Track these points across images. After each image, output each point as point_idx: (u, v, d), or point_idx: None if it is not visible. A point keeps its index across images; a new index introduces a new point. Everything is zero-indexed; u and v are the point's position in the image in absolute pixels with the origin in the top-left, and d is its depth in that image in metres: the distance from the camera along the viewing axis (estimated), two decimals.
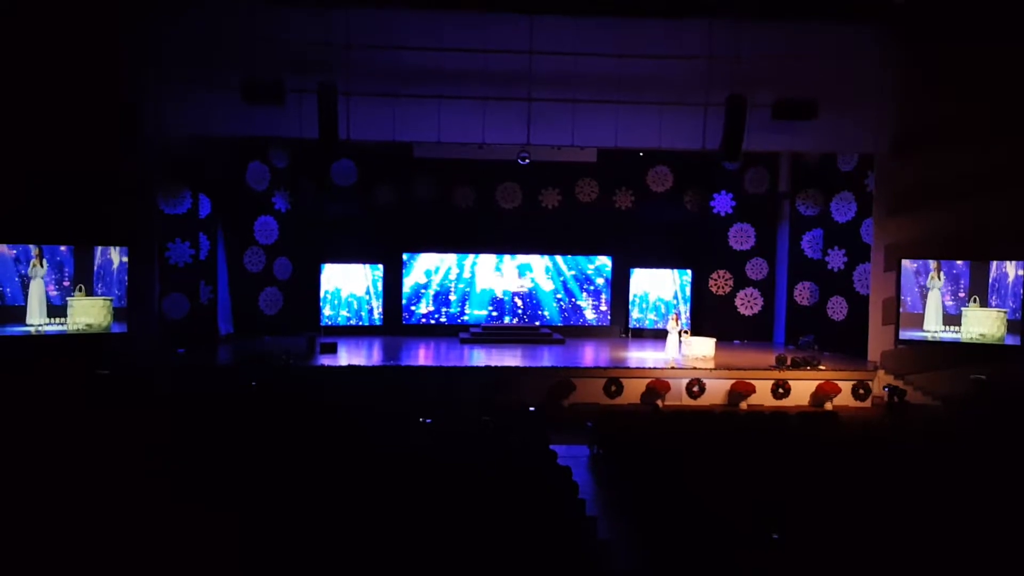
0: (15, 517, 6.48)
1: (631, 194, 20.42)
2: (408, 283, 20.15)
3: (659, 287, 20.48)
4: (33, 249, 14.01)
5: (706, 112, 14.97)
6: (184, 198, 16.98)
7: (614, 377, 15.38)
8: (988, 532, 6.81)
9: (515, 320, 20.34)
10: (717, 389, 15.42)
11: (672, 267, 20.42)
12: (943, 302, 15.38)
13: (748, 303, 20.33)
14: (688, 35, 15.35)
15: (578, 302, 20.50)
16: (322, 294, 19.74)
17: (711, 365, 16.03)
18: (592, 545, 6.75)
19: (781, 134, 15.45)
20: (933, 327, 15.39)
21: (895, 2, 14.49)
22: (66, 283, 14.40)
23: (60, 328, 14.34)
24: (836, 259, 18.39)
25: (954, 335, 15.28)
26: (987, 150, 14.62)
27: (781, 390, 15.40)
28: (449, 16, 15.20)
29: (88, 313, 14.67)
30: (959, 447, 10.19)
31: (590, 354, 17.81)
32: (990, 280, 15.00)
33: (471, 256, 20.25)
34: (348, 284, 19.97)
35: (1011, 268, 14.75)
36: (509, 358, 16.60)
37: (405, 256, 20.11)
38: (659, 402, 15.11)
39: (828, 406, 15.09)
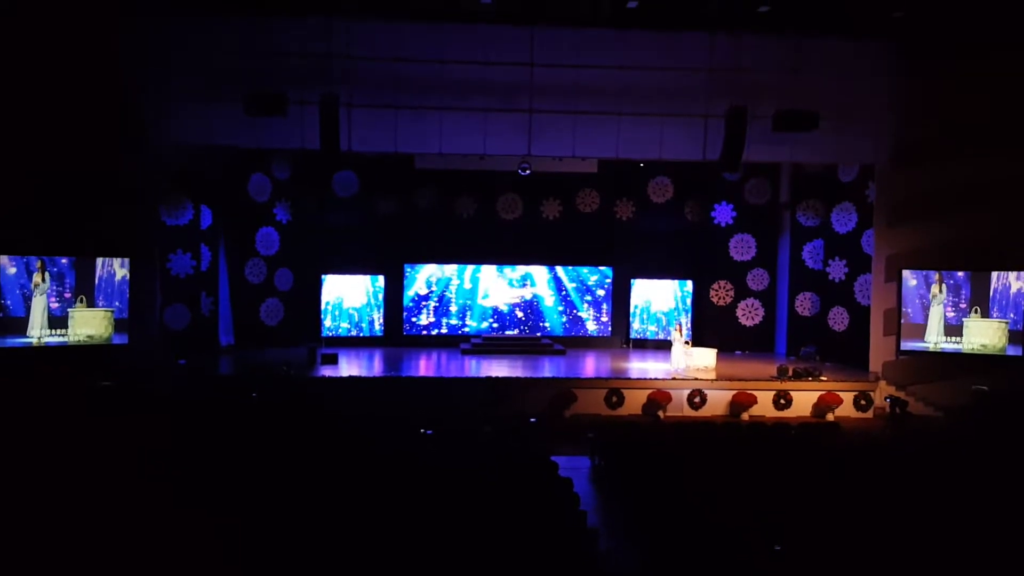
0: (19, 524, 6.48)
1: (632, 205, 20.46)
2: (409, 294, 20.16)
3: (660, 297, 20.48)
4: (36, 262, 14.04)
5: (706, 123, 15.02)
6: (186, 209, 17.02)
7: (615, 388, 15.36)
8: (990, 543, 6.79)
9: (516, 331, 20.34)
10: (718, 400, 15.40)
11: (673, 278, 20.43)
12: (944, 313, 15.38)
13: (749, 314, 20.33)
14: (688, 47, 15.43)
15: (579, 313, 20.50)
16: (323, 305, 19.75)
17: (712, 376, 16.01)
18: (593, 557, 6.73)
19: (781, 145, 15.50)
20: (934, 339, 15.37)
21: (894, 15, 14.55)
22: (67, 295, 14.42)
23: (61, 339, 14.35)
24: (837, 270, 18.40)
25: (955, 346, 15.27)
26: (988, 160, 14.63)
27: (783, 401, 15.37)
28: (450, 28, 15.29)
29: (89, 324, 14.67)
30: (961, 458, 10.17)
31: (591, 365, 17.80)
32: (991, 291, 14.99)
33: (472, 267, 20.27)
34: (349, 295, 19.98)
35: (1013, 279, 14.75)
36: (510, 369, 16.59)
37: (406, 267, 20.13)
38: (660, 413, 15.09)
39: (830, 417, 15.06)
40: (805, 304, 19.32)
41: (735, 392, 15.35)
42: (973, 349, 15.12)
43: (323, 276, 19.76)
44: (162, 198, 16.42)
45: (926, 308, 15.48)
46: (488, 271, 20.32)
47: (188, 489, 7.52)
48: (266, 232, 19.19)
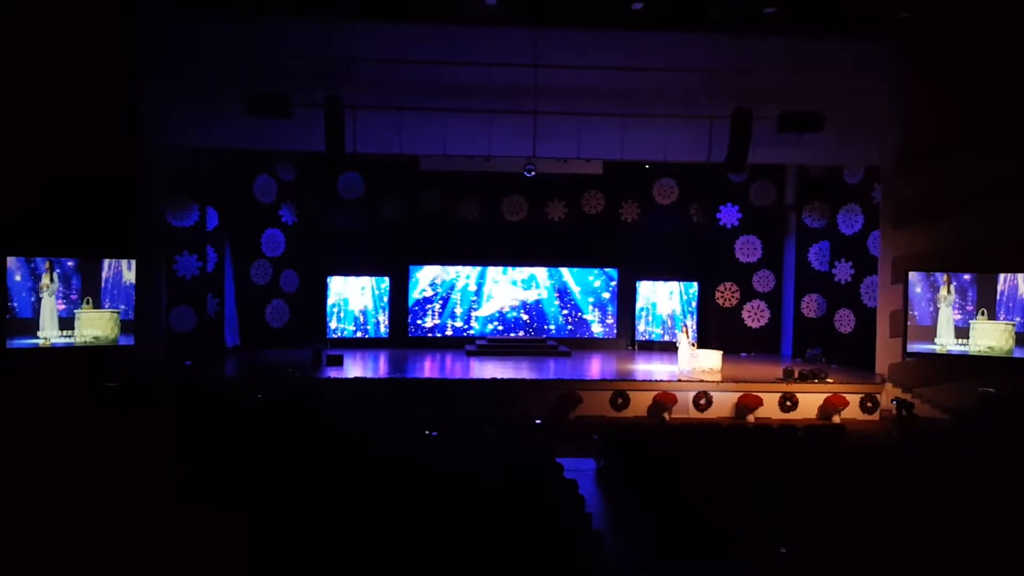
0: (23, 523, 6.50)
1: (637, 206, 20.44)
2: (414, 296, 20.17)
3: (665, 299, 20.45)
4: (43, 263, 14.09)
5: (711, 125, 14.99)
6: (191, 211, 17.06)
7: (620, 390, 15.34)
8: (996, 545, 6.76)
9: (521, 333, 20.33)
10: (724, 402, 15.36)
11: (678, 279, 20.40)
12: (952, 315, 15.32)
13: (755, 315, 20.29)
14: (693, 48, 15.43)
15: (584, 315, 20.48)
16: (329, 307, 19.77)
17: (718, 378, 15.98)
18: (598, 559, 6.72)
19: (786, 147, 15.47)
20: (945, 340, 15.30)
21: (900, 16, 14.51)
22: (73, 296, 14.46)
23: (68, 340, 14.39)
24: (843, 271, 18.35)
25: (962, 348, 15.21)
26: (994, 161, 14.59)
27: (788, 403, 15.33)
28: (455, 30, 15.31)
29: (96, 325, 14.71)
30: (967, 460, 10.12)
31: (596, 367, 17.78)
32: (998, 293, 14.93)
33: (477, 269, 20.27)
34: (355, 296, 20.01)
35: (1021, 280, 14.69)
36: (515, 371, 16.58)
37: (411, 268, 20.14)
38: (666, 415, 15.06)
39: (836, 419, 15.01)
40: (811, 306, 19.27)
41: (741, 394, 15.31)
42: (980, 351, 15.05)
43: (328, 277, 19.79)
44: (168, 200, 16.46)
45: (933, 311, 15.42)
46: (493, 273, 20.31)
47: (192, 490, 7.54)
48: (272, 234, 19.22)
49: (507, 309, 20.33)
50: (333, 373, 15.99)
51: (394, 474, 8.45)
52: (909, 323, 15.63)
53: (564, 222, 20.41)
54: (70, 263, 14.40)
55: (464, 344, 19.65)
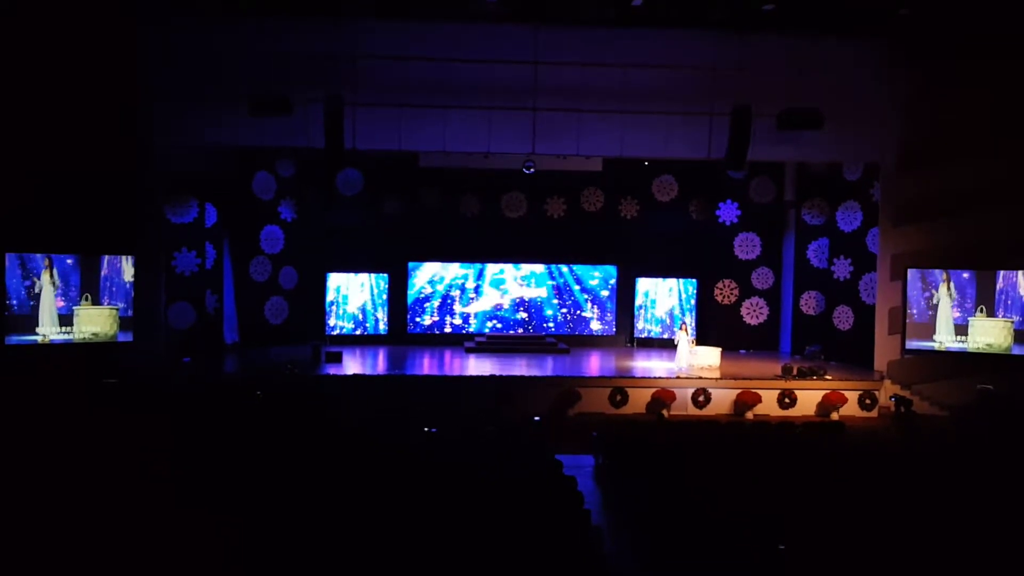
0: (23, 520, 6.50)
1: (636, 203, 20.43)
2: (413, 292, 20.18)
3: (664, 296, 20.45)
4: (43, 260, 14.09)
5: (711, 122, 15.00)
6: (190, 207, 17.05)
7: (619, 387, 15.35)
8: (995, 542, 6.77)
9: (520, 330, 20.34)
10: (723, 399, 15.37)
11: (678, 276, 20.40)
12: (951, 313, 15.34)
13: (754, 312, 20.30)
14: (693, 46, 15.43)
15: (583, 312, 20.49)
16: (328, 304, 19.77)
17: (717, 375, 15.99)
18: (597, 555, 6.73)
19: (786, 144, 15.49)
20: (944, 338, 15.32)
21: (900, 12, 14.51)
22: (72, 293, 14.46)
23: (67, 337, 14.40)
24: (842, 268, 18.36)
25: (960, 345, 15.23)
26: (993, 159, 14.60)
27: (787, 400, 15.35)
28: (455, 27, 15.29)
29: (94, 322, 14.72)
30: (966, 457, 10.14)
31: (595, 364, 17.79)
32: (996, 290, 14.95)
33: (476, 265, 20.26)
34: (354, 293, 20.01)
35: (1021, 278, 14.71)
36: (514, 367, 16.58)
37: (410, 265, 20.14)
38: (664, 412, 15.07)
39: (834, 416, 15.02)
40: (810, 303, 19.28)
41: (739, 391, 15.32)
42: (979, 348, 15.07)
43: (327, 274, 19.78)
44: (167, 196, 16.44)
45: (932, 308, 15.43)
46: (492, 270, 20.31)
47: (191, 487, 7.54)
48: (271, 230, 19.21)
49: (506, 306, 20.33)
50: (332, 370, 15.99)
51: (393, 471, 8.46)
52: (908, 321, 15.64)
53: (563, 219, 20.39)
54: (69, 260, 14.40)
55: (463, 341, 19.65)
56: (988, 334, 15.03)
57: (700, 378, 15.68)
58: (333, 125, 14.02)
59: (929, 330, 15.45)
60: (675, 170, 20.05)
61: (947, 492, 8.25)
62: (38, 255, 14.09)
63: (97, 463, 8.29)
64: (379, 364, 17.35)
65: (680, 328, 17.52)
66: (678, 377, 15.74)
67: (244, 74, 14.63)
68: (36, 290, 14.07)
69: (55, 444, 9.11)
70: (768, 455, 9.90)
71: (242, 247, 18.86)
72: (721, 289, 20.31)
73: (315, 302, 19.69)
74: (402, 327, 20.12)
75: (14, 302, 13.84)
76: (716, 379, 15.65)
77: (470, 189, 20.04)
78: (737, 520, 7.12)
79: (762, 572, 6.48)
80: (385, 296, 20.16)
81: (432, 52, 15.13)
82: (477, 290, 20.31)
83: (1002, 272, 14.87)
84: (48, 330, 14.14)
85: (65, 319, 14.41)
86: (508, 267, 20.32)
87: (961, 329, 15.24)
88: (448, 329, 20.23)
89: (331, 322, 19.80)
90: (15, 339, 13.81)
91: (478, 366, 16.84)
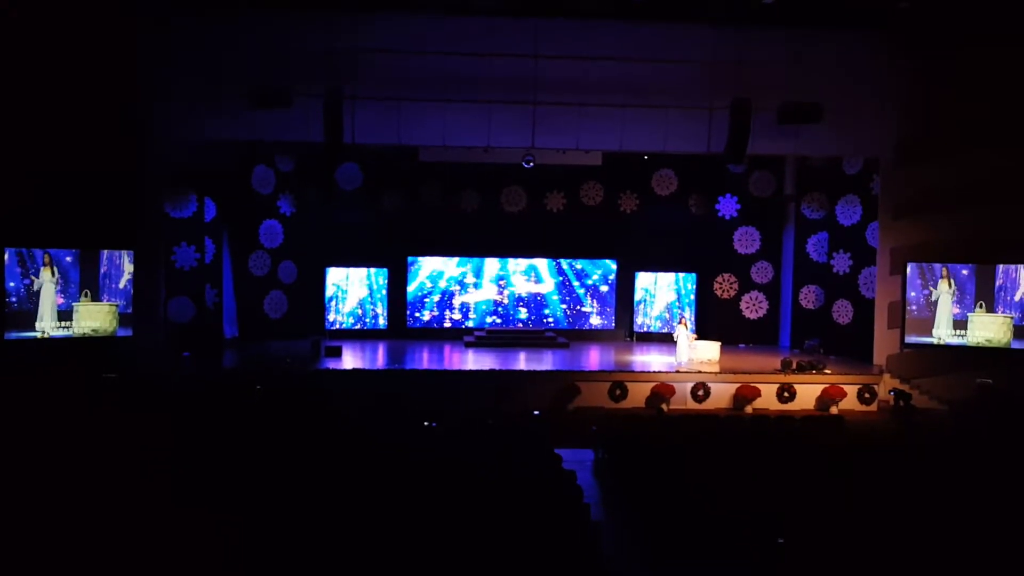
0: (22, 517, 6.51)
1: (636, 197, 20.40)
2: (412, 287, 20.17)
3: (664, 290, 20.45)
4: (43, 256, 14.08)
5: (711, 116, 14.98)
6: (190, 202, 17.03)
7: (619, 381, 15.37)
8: (994, 536, 6.79)
9: (520, 324, 20.34)
10: (722, 393, 15.39)
11: (677, 270, 20.40)
12: (951, 307, 15.35)
13: (753, 306, 20.30)
14: (693, 40, 15.40)
15: (583, 306, 20.48)
16: (327, 298, 19.77)
17: (716, 369, 16.00)
18: (597, 549, 6.74)
19: (785, 138, 15.49)
20: (943, 332, 15.33)
21: (899, 5, 14.48)
22: (71, 289, 14.45)
23: (66, 332, 14.40)
24: (841, 262, 18.36)
25: (960, 339, 15.24)
26: (992, 153, 14.59)
27: (786, 394, 15.37)
28: (455, 21, 15.26)
29: (94, 317, 14.72)
30: (965, 451, 10.16)
31: (595, 358, 17.80)
32: (996, 285, 14.96)
33: (476, 260, 20.25)
34: (353, 288, 20.01)
35: (1022, 273, 14.71)
36: (514, 362, 16.59)
37: (410, 260, 20.13)
38: (664, 406, 15.09)
39: (834, 410, 15.04)
40: (809, 297, 19.29)
41: (739, 385, 15.34)
42: (978, 343, 15.09)
43: (327, 269, 19.78)
44: (166, 191, 16.42)
45: (931, 303, 15.44)
46: (492, 264, 20.30)
47: (190, 483, 7.54)
48: (270, 224, 19.19)
49: (505, 300, 20.33)
50: (332, 364, 15.99)
51: (393, 465, 8.47)
52: (907, 315, 15.65)
53: (563, 213, 20.37)
54: (68, 257, 14.39)
55: (463, 335, 19.65)
56: (988, 329, 15.05)
57: (699, 372, 15.69)
58: (332, 119, 14.00)
59: (928, 324, 15.46)
60: (675, 164, 20.03)
61: (946, 486, 8.27)
62: (38, 251, 14.08)
63: (96, 458, 8.30)
64: (379, 358, 17.36)
65: (679, 322, 17.53)
66: (678, 371, 15.75)
67: (243, 69, 14.60)
68: (35, 287, 14.07)
69: (54, 439, 9.11)
70: (767, 449, 9.91)
71: (241, 242, 18.84)
72: (720, 283, 20.31)
73: (315, 296, 19.68)
74: (402, 321, 20.12)
75: (13, 299, 13.84)
76: (715, 373, 15.66)
77: (470, 183, 20.00)
78: (736, 515, 7.14)
79: (761, 566, 6.50)
80: (384, 291, 20.16)
81: (432, 46, 15.10)
82: (477, 284, 20.29)
83: (1001, 267, 14.87)
84: (47, 325, 14.14)
85: (65, 314, 14.41)
86: (508, 261, 20.27)
87: (960, 324, 15.25)
88: (447, 323, 20.22)
89: (331, 317, 19.80)
90: (14, 335, 13.80)
91: (478, 360, 16.86)
